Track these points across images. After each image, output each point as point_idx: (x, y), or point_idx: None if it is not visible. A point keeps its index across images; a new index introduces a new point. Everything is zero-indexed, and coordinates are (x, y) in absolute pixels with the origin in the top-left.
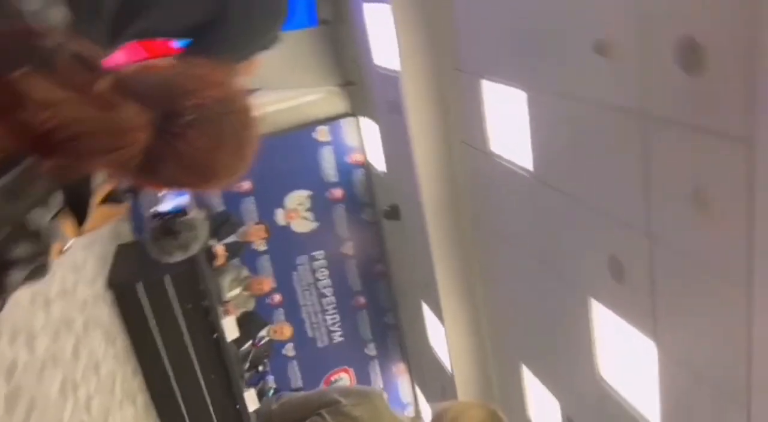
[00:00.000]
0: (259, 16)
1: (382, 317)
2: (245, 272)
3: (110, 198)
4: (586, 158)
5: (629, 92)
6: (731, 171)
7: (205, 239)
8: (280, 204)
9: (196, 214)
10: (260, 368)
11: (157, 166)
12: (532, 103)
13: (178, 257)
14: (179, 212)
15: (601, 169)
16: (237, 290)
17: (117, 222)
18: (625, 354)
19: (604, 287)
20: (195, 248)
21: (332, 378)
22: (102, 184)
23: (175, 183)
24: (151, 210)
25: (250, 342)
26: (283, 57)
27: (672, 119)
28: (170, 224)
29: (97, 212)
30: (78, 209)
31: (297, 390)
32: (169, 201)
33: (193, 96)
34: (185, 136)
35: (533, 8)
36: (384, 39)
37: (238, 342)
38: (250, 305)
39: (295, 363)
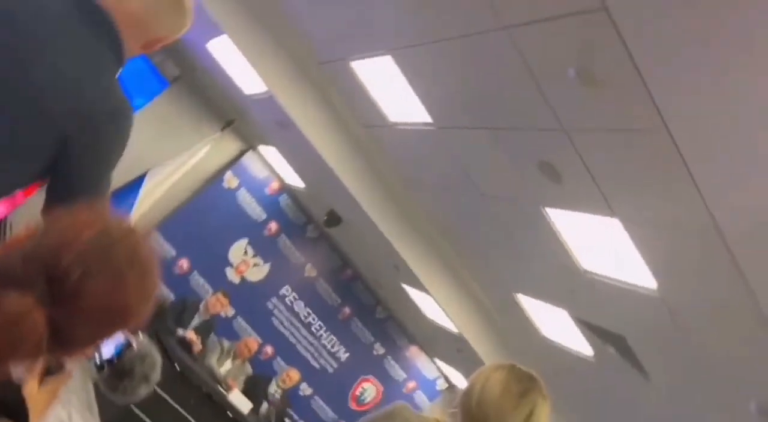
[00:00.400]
0: (105, 130)
1: (373, 315)
2: (227, 343)
3: (46, 373)
4: (474, 88)
5: (483, 15)
6: (600, 38)
7: (159, 361)
8: (225, 264)
9: (138, 340)
10: (287, 421)
11: (70, 333)
12: (401, 62)
13: (145, 390)
14: (122, 349)
15: (492, 91)
16: (228, 364)
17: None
18: (597, 241)
19: (549, 193)
20: (157, 372)
21: (357, 393)
22: (26, 373)
23: (98, 337)
24: (95, 362)
25: (265, 403)
26: (156, 130)
27: (529, 19)
28: (120, 367)
29: (39, 398)
30: (15, 411)
31: None
32: (106, 345)
33: (67, 249)
34: (81, 292)
35: None
36: (240, 67)
37: (255, 409)
38: (248, 371)
39: (316, 397)
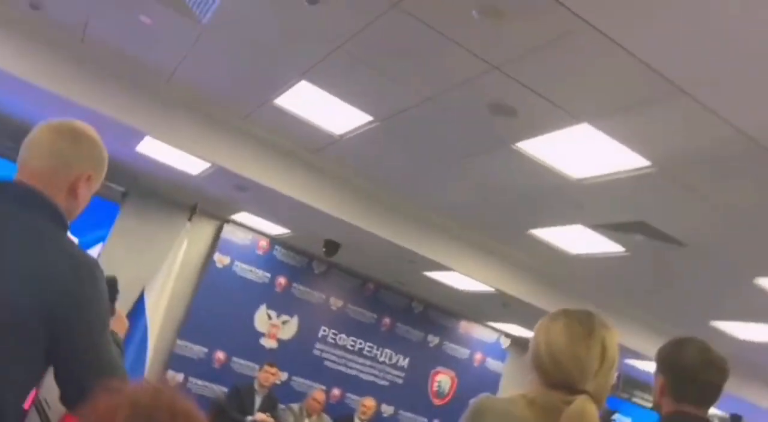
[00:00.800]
0: (76, 296)
1: (411, 312)
2: (296, 406)
3: None
4: (393, 70)
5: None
6: None
7: None
8: (257, 336)
9: None
10: None
11: None
12: (316, 80)
13: None
14: None
15: (411, 64)
16: None
17: None
18: (578, 150)
19: (512, 130)
20: None
21: (434, 389)
22: None
23: None
24: None
25: None
26: (130, 249)
27: None
28: None
29: None
30: None
31: None
32: None
33: None
34: None
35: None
36: (175, 156)
37: None
38: (327, 421)
39: (400, 412)
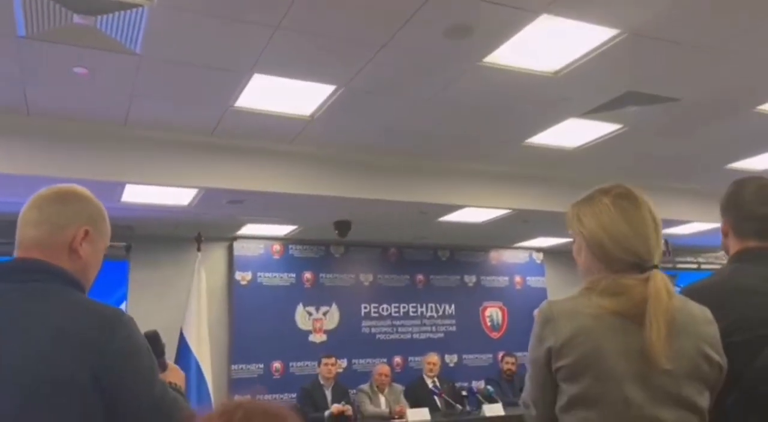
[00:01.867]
0: (115, 351)
1: (439, 261)
2: (365, 386)
3: None
4: (334, 34)
5: None
6: None
7: None
8: (304, 335)
9: None
10: (464, 393)
11: None
12: (266, 69)
13: None
14: None
15: (344, 27)
16: (382, 399)
17: None
18: (545, 44)
19: (474, 48)
20: None
21: (488, 325)
22: None
23: None
24: None
25: (435, 398)
26: (153, 296)
27: None
28: None
29: None
30: None
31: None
32: None
33: None
34: None
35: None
36: (160, 193)
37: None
38: (399, 389)
39: (464, 356)
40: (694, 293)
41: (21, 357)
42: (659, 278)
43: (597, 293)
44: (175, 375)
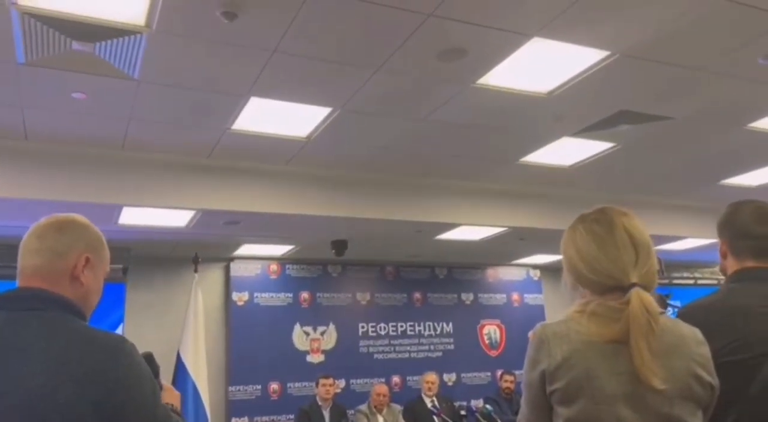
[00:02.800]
0: (118, 378)
1: (437, 280)
2: (363, 407)
3: None
4: (330, 57)
5: None
6: None
7: None
8: (301, 356)
9: None
10: (463, 413)
11: None
12: (263, 92)
13: None
14: None
15: (346, 47)
16: (380, 419)
17: None
18: (538, 67)
19: (467, 70)
20: None
21: (486, 343)
22: None
23: None
24: None
25: (434, 417)
26: (151, 318)
27: None
28: None
29: None
30: None
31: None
32: None
33: None
34: None
35: None
36: (158, 215)
37: None
38: (397, 409)
39: (462, 375)
40: (691, 312)
41: (22, 387)
42: (635, 299)
43: (587, 317)
44: (170, 395)
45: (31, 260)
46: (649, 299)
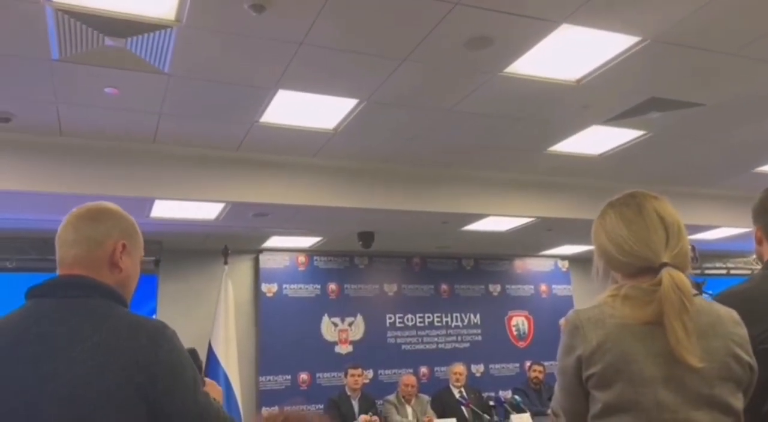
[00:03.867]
0: (161, 363)
1: (464, 271)
2: (392, 397)
3: None
4: (358, 49)
5: None
6: None
7: None
8: (330, 346)
9: None
10: (491, 403)
11: None
12: (290, 84)
13: None
14: None
15: (370, 40)
16: (409, 410)
17: None
18: (564, 54)
19: (494, 59)
20: None
21: (514, 334)
22: None
23: None
24: None
25: (462, 407)
26: (182, 309)
27: None
28: None
29: None
30: None
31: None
32: None
33: None
34: None
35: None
36: (187, 208)
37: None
38: (426, 399)
39: (490, 366)
40: (727, 299)
41: (69, 372)
42: (667, 279)
43: (620, 301)
44: (213, 390)
45: (70, 251)
46: (682, 278)
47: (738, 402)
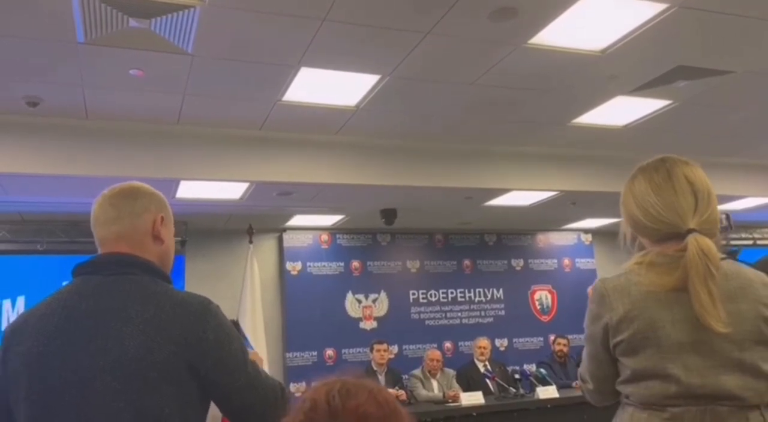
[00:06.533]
0: (209, 339)
1: (486, 246)
2: (417, 371)
3: None
4: (378, 24)
5: None
6: None
7: None
8: (354, 323)
9: None
10: (517, 376)
11: None
12: (312, 61)
13: None
14: None
15: (390, 13)
16: (435, 384)
17: None
18: (590, 25)
19: (520, 31)
20: None
21: (537, 308)
22: None
23: None
24: None
25: (486, 381)
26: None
27: None
28: None
29: None
30: None
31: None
32: None
33: None
34: None
35: None
36: (212, 188)
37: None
38: (451, 373)
39: (514, 340)
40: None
41: (122, 345)
42: (692, 245)
43: (645, 267)
44: (255, 358)
45: (112, 228)
46: (708, 243)
47: None
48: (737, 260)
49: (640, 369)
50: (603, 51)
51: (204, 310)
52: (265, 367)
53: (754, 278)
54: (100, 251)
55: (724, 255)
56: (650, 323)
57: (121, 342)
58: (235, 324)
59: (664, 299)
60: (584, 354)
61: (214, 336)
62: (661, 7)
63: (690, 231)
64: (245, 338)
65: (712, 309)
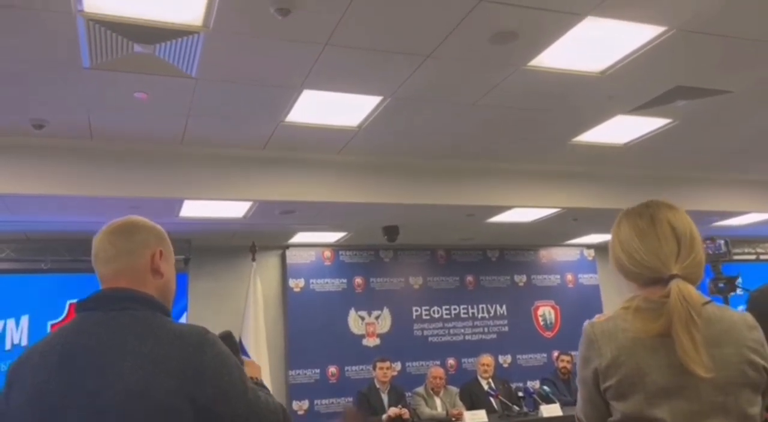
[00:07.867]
0: (210, 369)
1: (489, 262)
2: (420, 389)
3: None
4: (379, 49)
5: None
6: None
7: None
8: (358, 340)
9: None
10: (520, 394)
11: None
12: (314, 84)
13: None
14: None
15: (394, 41)
16: (438, 401)
17: None
18: (590, 46)
19: (519, 52)
20: None
21: (540, 324)
22: None
23: None
24: None
25: (490, 398)
26: (213, 306)
27: None
28: None
29: None
30: None
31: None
32: None
33: None
34: None
35: None
36: (216, 207)
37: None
38: (454, 391)
39: (518, 357)
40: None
41: (120, 384)
42: (675, 291)
43: (632, 313)
44: (252, 368)
45: (112, 265)
46: (690, 290)
47: (755, 407)
48: (738, 285)
49: (629, 413)
50: (603, 72)
51: (201, 341)
52: (265, 377)
53: (738, 321)
54: (101, 286)
55: (707, 300)
56: (637, 369)
57: (121, 378)
58: (229, 335)
59: (650, 345)
60: (579, 396)
61: (213, 367)
62: (660, 30)
63: (672, 277)
64: (241, 349)
65: (695, 355)
